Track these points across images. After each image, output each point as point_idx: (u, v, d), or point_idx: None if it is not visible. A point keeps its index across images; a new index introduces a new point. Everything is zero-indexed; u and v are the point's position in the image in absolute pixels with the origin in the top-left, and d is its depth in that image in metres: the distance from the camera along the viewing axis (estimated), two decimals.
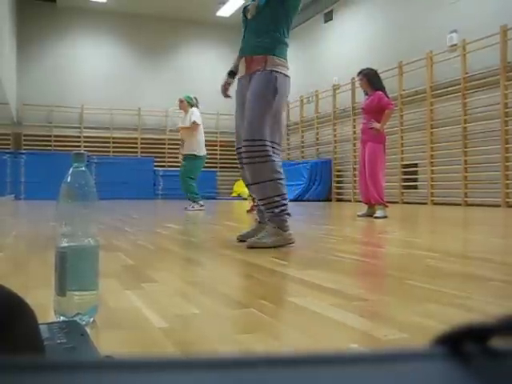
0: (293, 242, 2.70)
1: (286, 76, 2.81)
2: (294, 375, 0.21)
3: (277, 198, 2.71)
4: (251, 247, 2.62)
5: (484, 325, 0.22)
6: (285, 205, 2.73)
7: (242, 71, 2.92)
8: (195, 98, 7.36)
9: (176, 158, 11.95)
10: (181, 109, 7.36)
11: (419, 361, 0.22)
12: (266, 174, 2.70)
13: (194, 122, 7.12)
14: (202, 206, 7.18)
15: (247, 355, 0.22)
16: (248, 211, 6.55)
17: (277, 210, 2.70)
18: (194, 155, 7.21)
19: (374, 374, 0.21)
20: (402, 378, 0.21)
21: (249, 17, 2.87)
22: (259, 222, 2.95)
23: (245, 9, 2.94)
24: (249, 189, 2.94)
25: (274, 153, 2.74)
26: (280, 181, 2.73)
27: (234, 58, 3.11)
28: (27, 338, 0.39)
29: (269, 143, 2.72)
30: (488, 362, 0.21)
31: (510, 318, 0.22)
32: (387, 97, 5.55)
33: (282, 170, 2.77)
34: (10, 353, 0.35)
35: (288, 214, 2.75)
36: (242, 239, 2.87)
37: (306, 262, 2.20)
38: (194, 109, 7.23)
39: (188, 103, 7.27)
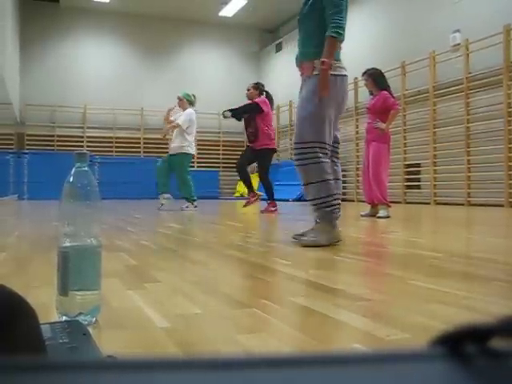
0: (341, 239, 2.77)
1: (338, 75, 2.82)
2: (297, 376, 0.21)
3: (327, 199, 2.76)
4: (306, 246, 2.68)
5: (484, 325, 0.22)
6: (335, 204, 2.79)
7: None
8: (193, 96, 7.34)
9: None
10: (180, 107, 7.31)
11: (419, 361, 0.22)
12: (316, 176, 2.76)
13: (178, 125, 7.11)
14: (195, 206, 7.15)
15: (249, 355, 0.22)
16: (245, 205, 6.65)
17: (328, 209, 2.76)
18: (186, 153, 7.18)
19: (373, 374, 0.21)
20: (402, 379, 0.21)
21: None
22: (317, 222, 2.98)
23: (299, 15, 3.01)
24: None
25: (322, 153, 2.78)
26: (329, 181, 2.78)
27: None
28: (28, 338, 0.39)
29: (317, 144, 2.77)
30: (488, 363, 0.21)
31: (510, 318, 0.22)
32: (392, 97, 5.55)
33: (330, 171, 2.81)
34: (11, 353, 0.36)
35: (338, 215, 2.80)
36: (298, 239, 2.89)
37: (309, 262, 2.20)
38: (188, 111, 7.19)
39: (187, 101, 7.24)
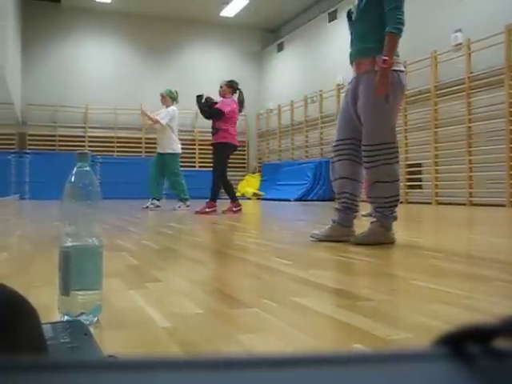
0: (394, 241, 2.76)
1: (398, 71, 2.78)
2: (298, 376, 0.21)
3: (388, 200, 2.76)
4: (358, 243, 2.69)
5: (487, 325, 0.22)
6: (395, 206, 2.78)
7: (353, 73, 2.95)
8: (176, 92, 7.33)
9: (181, 157, 11.96)
10: (163, 104, 7.30)
11: (422, 361, 0.22)
12: (384, 176, 2.75)
13: (157, 122, 7.08)
14: (188, 206, 7.12)
15: (250, 355, 0.22)
16: (224, 211, 6.26)
17: (387, 212, 2.76)
18: (172, 153, 7.16)
19: (375, 374, 0.21)
20: (404, 379, 0.21)
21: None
22: (337, 223, 2.93)
23: (349, 13, 2.96)
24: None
25: (391, 153, 2.76)
26: (394, 183, 2.77)
27: None
28: (29, 338, 0.39)
29: (387, 145, 2.76)
30: (491, 363, 0.21)
31: None
32: None
33: (397, 172, 2.80)
34: (12, 353, 0.35)
35: (395, 218, 2.79)
36: (319, 239, 2.87)
37: (310, 262, 2.20)
38: (170, 108, 7.16)
39: (170, 98, 7.23)
